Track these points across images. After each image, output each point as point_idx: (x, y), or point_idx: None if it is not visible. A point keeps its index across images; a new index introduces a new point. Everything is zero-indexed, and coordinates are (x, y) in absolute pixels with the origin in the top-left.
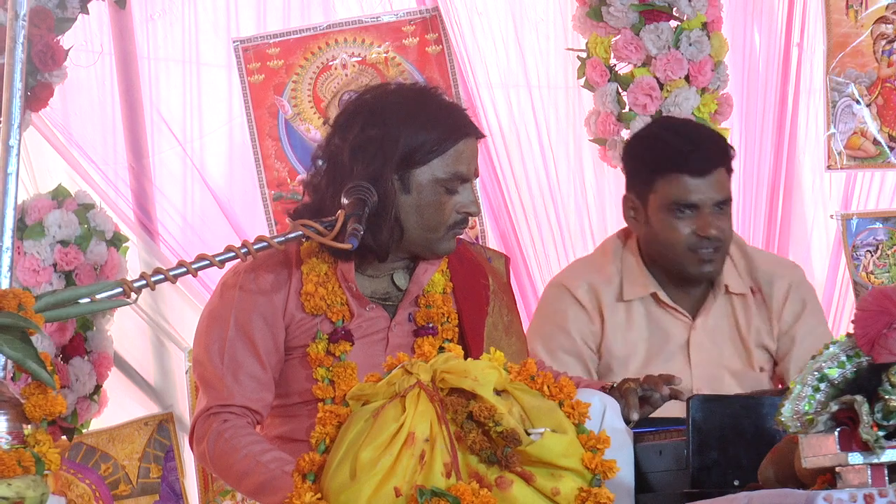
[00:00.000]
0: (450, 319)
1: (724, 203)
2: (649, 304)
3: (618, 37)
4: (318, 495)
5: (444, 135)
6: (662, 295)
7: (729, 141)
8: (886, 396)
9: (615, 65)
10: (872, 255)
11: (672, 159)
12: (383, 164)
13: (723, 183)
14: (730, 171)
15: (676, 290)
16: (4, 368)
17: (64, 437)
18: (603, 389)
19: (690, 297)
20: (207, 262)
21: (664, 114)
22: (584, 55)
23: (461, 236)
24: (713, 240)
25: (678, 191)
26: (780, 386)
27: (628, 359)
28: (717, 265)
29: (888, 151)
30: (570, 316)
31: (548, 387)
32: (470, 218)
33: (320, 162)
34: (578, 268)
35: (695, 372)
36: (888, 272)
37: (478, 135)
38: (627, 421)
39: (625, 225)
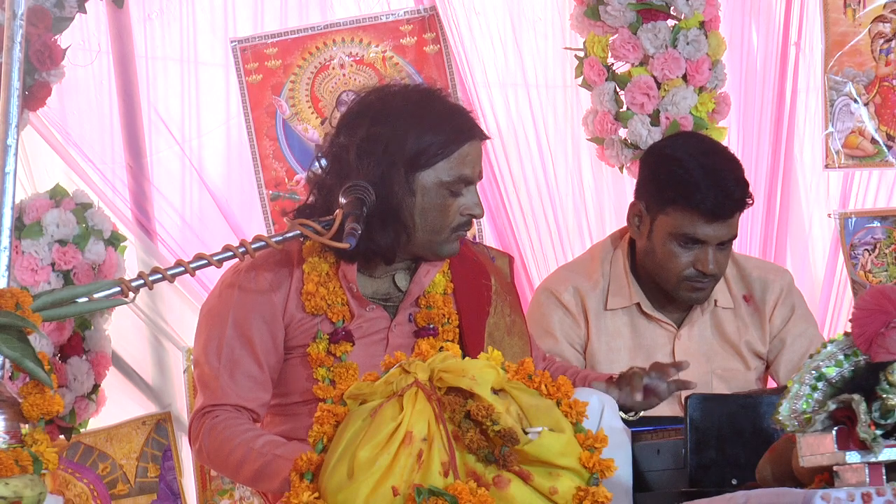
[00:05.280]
0: (450, 320)
1: (730, 241)
2: (633, 313)
3: (615, 36)
4: (316, 494)
5: (450, 138)
6: (646, 305)
7: (730, 146)
8: (884, 395)
9: (613, 64)
10: (870, 254)
11: (692, 197)
12: (390, 165)
13: (735, 224)
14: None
15: (662, 300)
16: (2, 367)
17: (62, 437)
18: (610, 380)
19: (677, 306)
20: (205, 261)
21: (662, 113)
22: (581, 54)
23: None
24: (710, 275)
25: (689, 226)
26: (767, 387)
27: (612, 365)
28: (707, 293)
29: (886, 150)
30: (555, 320)
31: (545, 386)
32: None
33: (324, 161)
34: (565, 272)
35: (683, 377)
36: (886, 271)
37: (482, 137)
38: (627, 409)
39: (621, 226)
